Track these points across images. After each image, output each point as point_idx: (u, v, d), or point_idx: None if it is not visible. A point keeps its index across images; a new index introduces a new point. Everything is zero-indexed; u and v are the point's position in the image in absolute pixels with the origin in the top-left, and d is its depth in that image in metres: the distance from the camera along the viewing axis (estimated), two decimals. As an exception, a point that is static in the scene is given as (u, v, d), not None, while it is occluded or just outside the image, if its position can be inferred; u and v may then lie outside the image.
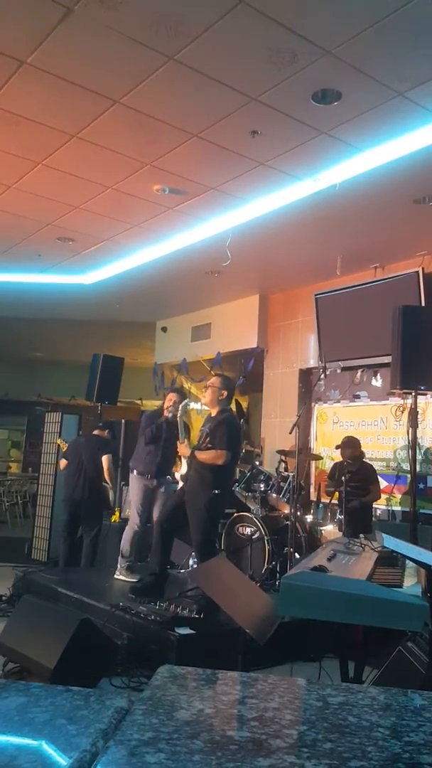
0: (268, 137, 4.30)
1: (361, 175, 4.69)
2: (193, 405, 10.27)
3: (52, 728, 0.89)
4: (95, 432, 6.87)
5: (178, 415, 5.17)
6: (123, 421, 8.15)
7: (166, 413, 5.66)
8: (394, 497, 6.59)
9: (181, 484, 5.08)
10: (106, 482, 6.61)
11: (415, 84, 3.66)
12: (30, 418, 14.63)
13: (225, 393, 4.96)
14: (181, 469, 4.97)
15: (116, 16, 3.21)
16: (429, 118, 4.02)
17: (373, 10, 3.11)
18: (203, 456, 4.75)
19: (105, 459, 6.51)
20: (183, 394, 5.93)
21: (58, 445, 7.38)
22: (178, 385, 9.61)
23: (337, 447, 6.26)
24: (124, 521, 6.95)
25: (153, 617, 4.30)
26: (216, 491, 4.72)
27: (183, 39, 3.37)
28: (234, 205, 5.48)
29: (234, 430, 4.89)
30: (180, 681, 1.16)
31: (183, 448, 4.91)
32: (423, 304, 6.12)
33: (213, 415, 4.96)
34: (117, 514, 7.27)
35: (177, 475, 5.15)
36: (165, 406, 5.75)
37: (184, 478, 4.94)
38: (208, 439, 4.78)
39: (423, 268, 6.27)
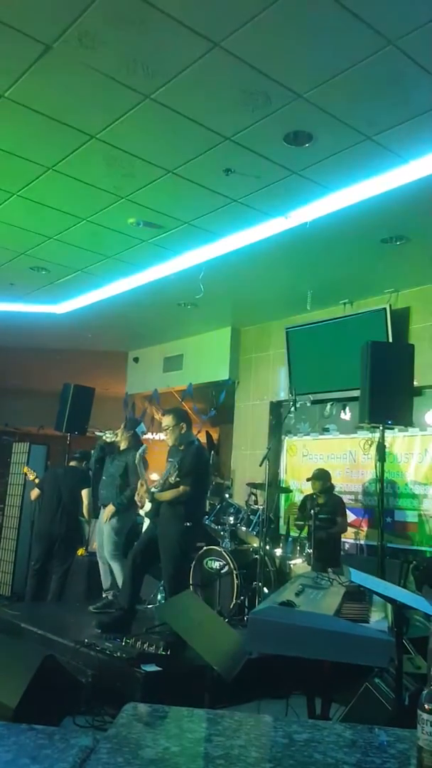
0: (242, 175, 4.40)
1: (331, 214, 4.82)
2: (162, 436, 10.24)
3: (15, 768, 0.88)
4: (72, 463, 6.76)
5: (136, 461, 5.18)
6: (93, 451, 8.08)
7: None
8: (362, 531, 6.62)
9: (147, 521, 5.05)
10: (83, 516, 6.52)
11: (383, 128, 3.80)
12: (-3, 447, 14.39)
13: (184, 426, 4.93)
14: (147, 506, 4.93)
15: (94, 54, 3.29)
16: (396, 161, 4.16)
17: (343, 58, 3.23)
18: (164, 497, 4.74)
19: (85, 493, 6.42)
20: (132, 424, 5.95)
21: (25, 474, 7.25)
22: (148, 417, 9.59)
23: (309, 479, 6.29)
24: (91, 555, 6.87)
25: (119, 654, 4.22)
26: (188, 524, 4.69)
27: (159, 79, 3.46)
28: (207, 239, 5.57)
29: (200, 463, 4.86)
30: (146, 719, 1.15)
31: (143, 491, 4.88)
32: (390, 340, 6.25)
33: (181, 448, 4.92)
34: (83, 548, 7.16)
35: (141, 512, 5.12)
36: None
37: (150, 515, 4.91)
38: (176, 473, 4.76)
39: (390, 305, 6.42)
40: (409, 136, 3.86)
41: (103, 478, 5.81)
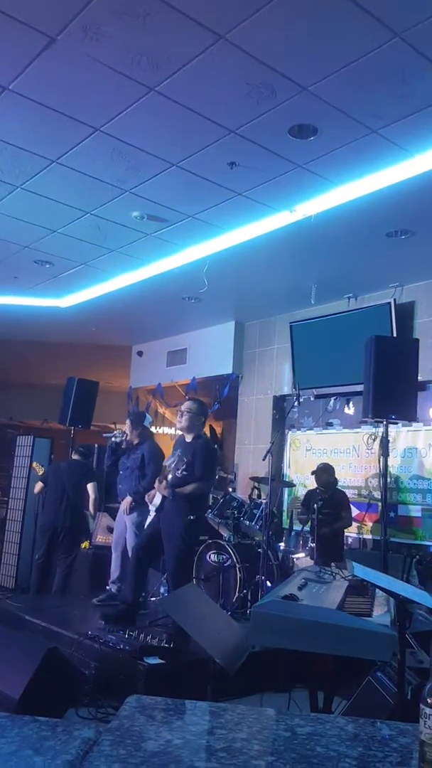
0: (246, 169, 4.39)
1: (336, 208, 4.80)
2: (166, 430, 10.28)
3: (18, 759, 0.88)
4: (75, 457, 6.80)
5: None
6: (96, 445, 8.10)
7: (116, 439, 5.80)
8: (365, 525, 6.63)
9: (153, 515, 5.06)
10: (87, 509, 6.56)
11: (388, 122, 3.77)
12: (0, 441, 14.43)
13: (202, 419, 4.97)
14: (155, 500, 4.94)
15: (98, 46, 3.27)
16: (401, 155, 4.14)
17: (348, 51, 3.21)
18: (184, 491, 4.73)
19: (91, 487, 6.45)
20: (139, 419, 5.96)
21: (33, 469, 7.29)
22: (152, 410, 9.60)
23: (313, 473, 6.29)
24: (95, 548, 6.90)
25: (122, 646, 4.23)
26: (191, 517, 4.70)
27: (164, 71, 3.44)
28: (211, 233, 5.55)
29: (211, 456, 4.92)
30: (148, 711, 1.15)
31: (161, 488, 4.87)
32: (394, 334, 6.23)
33: (188, 440, 4.94)
34: (87, 541, 7.18)
35: (150, 507, 5.13)
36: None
37: (158, 509, 4.92)
38: (184, 466, 4.76)
39: (395, 300, 6.40)
40: (415, 130, 3.83)
41: (120, 472, 5.81)
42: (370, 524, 6.59)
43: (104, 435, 6.02)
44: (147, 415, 6.23)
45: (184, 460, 4.79)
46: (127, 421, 5.92)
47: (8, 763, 0.87)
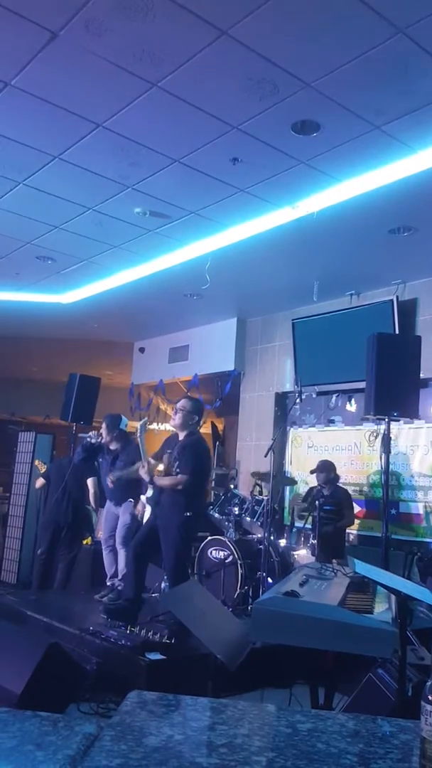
0: (249, 165, 4.38)
1: (339, 204, 4.79)
2: (168, 427, 10.27)
3: (19, 754, 0.88)
4: None
5: (137, 435, 5.17)
6: (77, 451, 8.10)
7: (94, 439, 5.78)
8: (367, 522, 6.62)
9: (149, 507, 5.07)
10: (90, 505, 6.58)
11: (391, 118, 3.76)
12: (2, 436, 14.45)
13: (195, 418, 4.96)
14: (148, 492, 4.95)
15: (101, 42, 3.26)
16: (405, 151, 4.12)
17: (351, 46, 3.20)
18: (163, 482, 4.74)
19: (91, 482, 6.47)
20: (115, 422, 5.94)
21: (35, 467, 7.31)
22: (153, 407, 9.59)
23: (312, 471, 6.29)
24: (96, 544, 6.91)
25: (123, 642, 4.24)
26: (188, 514, 4.70)
27: (167, 67, 3.43)
28: (214, 229, 5.54)
29: (200, 453, 4.88)
30: (149, 707, 1.15)
31: (143, 472, 4.87)
32: (397, 331, 6.23)
33: (180, 438, 4.94)
34: (89, 537, 7.20)
35: (143, 498, 5.14)
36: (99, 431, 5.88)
37: (151, 501, 4.92)
38: (177, 463, 4.77)
39: (397, 297, 6.39)
40: (418, 126, 3.82)
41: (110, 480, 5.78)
42: (371, 521, 6.59)
43: (80, 435, 6.03)
44: (124, 417, 6.21)
45: (176, 457, 4.80)
46: (104, 424, 5.92)
47: (10, 757, 0.87)
